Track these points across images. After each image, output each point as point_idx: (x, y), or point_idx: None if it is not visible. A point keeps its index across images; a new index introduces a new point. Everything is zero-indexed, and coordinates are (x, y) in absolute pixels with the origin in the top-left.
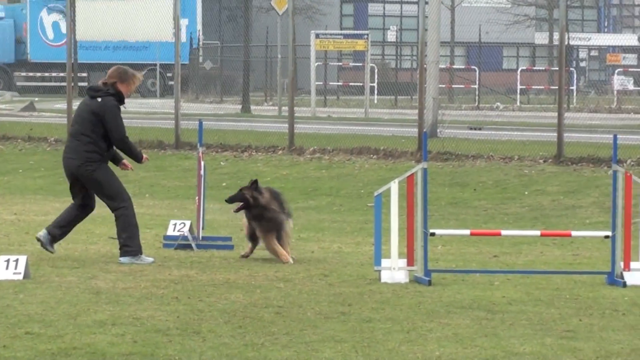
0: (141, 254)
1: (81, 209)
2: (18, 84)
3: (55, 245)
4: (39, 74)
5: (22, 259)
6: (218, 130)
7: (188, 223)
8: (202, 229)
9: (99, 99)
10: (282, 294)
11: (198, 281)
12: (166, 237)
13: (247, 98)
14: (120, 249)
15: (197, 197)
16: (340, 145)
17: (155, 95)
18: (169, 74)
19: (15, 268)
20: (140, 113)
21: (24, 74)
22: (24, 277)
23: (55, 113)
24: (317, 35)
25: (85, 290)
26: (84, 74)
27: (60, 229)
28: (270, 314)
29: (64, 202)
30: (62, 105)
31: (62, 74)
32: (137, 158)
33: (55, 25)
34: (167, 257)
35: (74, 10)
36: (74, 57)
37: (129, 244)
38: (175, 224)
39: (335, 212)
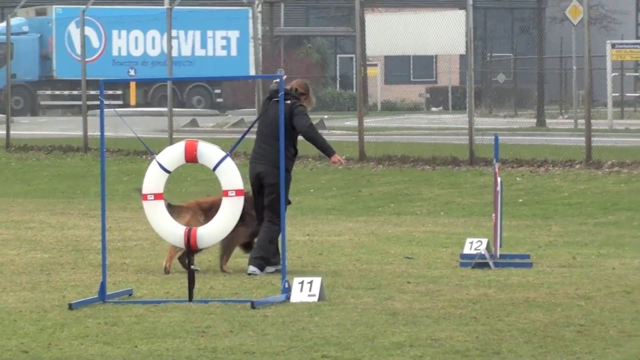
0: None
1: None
2: (42, 102)
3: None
4: (66, 92)
5: (317, 281)
6: (513, 145)
7: (485, 241)
8: (500, 246)
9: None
10: (584, 312)
11: (496, 300)
12: (463, 256)
13: (542, 111)
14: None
15: (493, 214)
16: (639, 158)
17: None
18: (217, 90)
19: (310, 290)
20: (432, 129)
21: (49, 92)
22: (319, 299)
23: (346, 130)
24: (613, 45)
25: (382, 311)
26: None
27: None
28: (571, 333)
29: (357, 222)
30: (352, 122)
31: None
32: (329, 150)
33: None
34: (464, 276)
35: None
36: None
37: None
38: (471, 242)
39: (636, 227)
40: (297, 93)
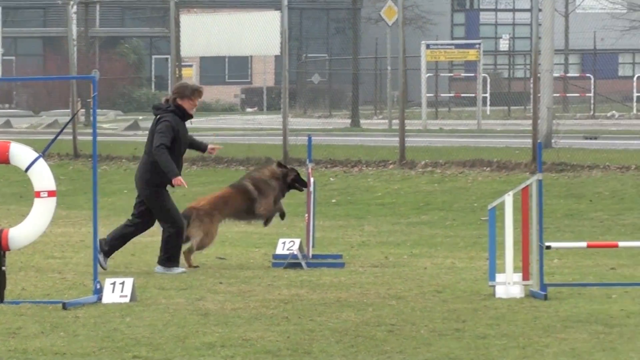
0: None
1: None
2: None
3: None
4: None
5: (129, 282)
6: (327, 146)
7: (297, 241)
8: (312, 247)
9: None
10: (395, 311)
11: (308, 300)
12: (275, 256)
13: (357, 112)
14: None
15: (306, 215)
16: (452, 158)
17: None
18: None
19: (122, 291)
20: (246, 129)
21: None
22: (131, 299)
23: None
24: (427, 46)
25: (194, 312)
26: None
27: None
28: (382, 333)
29: None
30: None
31: None
32: (170, 174)
33: None
34: (276, 276)
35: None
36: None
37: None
38: (284, 243)
39: (448, 226)
40: (169, 105)
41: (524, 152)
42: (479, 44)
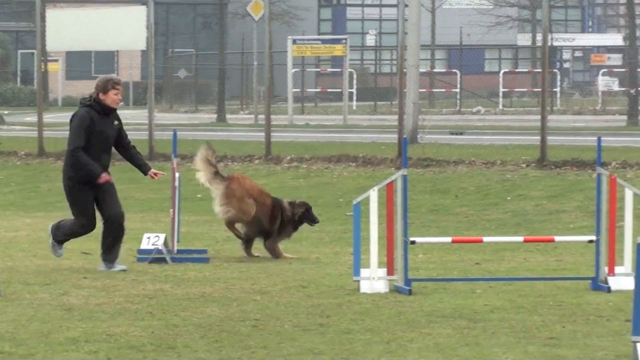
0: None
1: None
2: None
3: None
4: None
5: None
6: (193, 141)
7: (162, 236)
8: (177, 241)
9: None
10: (259, 306)
11: (173, 295)
12: (140, 251)
13: (223, 107)
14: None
15: (171, 210)
16: (318, 154)
17: None
18: None
19: None
20: None
21: None
22: None
23: (26, 126)
24: (294, 41)
25: (57, 307)
26: None
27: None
28: (247, 328)
29: (35, 217)
30: (32, 118)
31: None
32: (93, 175)
33: None
34: (141, 271)
35: None
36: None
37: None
38: (149, 238)
39: None
40: (89, 98)
41: (389, 148)
42: (346, 39)
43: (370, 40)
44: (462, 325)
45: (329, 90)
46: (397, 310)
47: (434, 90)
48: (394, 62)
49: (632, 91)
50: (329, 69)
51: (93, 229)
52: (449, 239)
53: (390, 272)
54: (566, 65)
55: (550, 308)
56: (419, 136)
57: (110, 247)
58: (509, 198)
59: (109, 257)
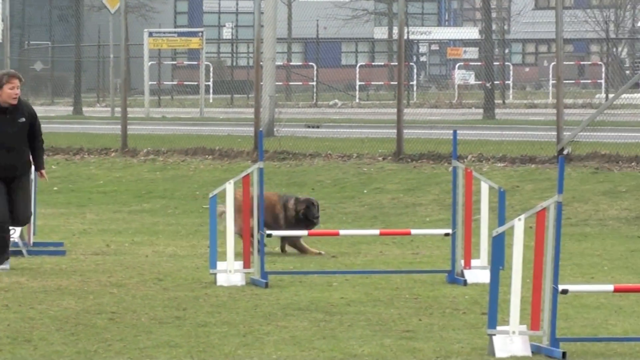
0: None
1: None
2: None
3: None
4: None
5: None
6: (49, 133)
7: (18, 229)
8: (33, 234)
9: None
10: (116, 299)
11: (29, 288)
12: None
13: (79, 99)
14: None
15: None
16: (174, 146)
17: None
18: None
19: None
20: None
21: None
22: None
23: None
24: (150, 34)
25: None
26: None
27: None
28: (103, 320)
29: None
30: None
31: None
32: None
33: None
34: None
35: None
36: None
37: None
38: None
39: (170, 214)
40: None
41: (246, 141)
42: (202, 32)
43: (226, 33)
44: (318, 318)
45: (185, 83)
46: (253, 303)
47: (290, 83)
48: (251, 55)
49: (488, 84)
50: (185, 62)
51: (4, 226)
52: (305, 232)
53: (246, 265)
54: (423, 58)
55: (407, 301)
56: (275, 129)
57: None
58: (365, 191)
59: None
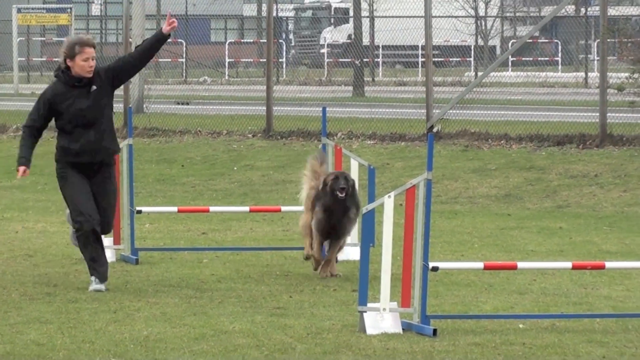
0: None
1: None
2: None
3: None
4: None
5: None
6: None
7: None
8: None
9: None
10: None
11: None
12: None
13: None
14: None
15: None
16: None
17: None
18: None
19: None
20: None
21: None
22: None
23: None
24: (19, 10)
25: None
26: None
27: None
28: None
29: None
30: None
31: None
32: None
33: None
34: None
35: None
36: None
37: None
38: None
39: (40, 191)
40: (57, 68)
41: (116, 117)
42: (71, 8)
43: (95, 9)
44: (189, 294)
45: (54, 59)
46: (124, 280)
47: (159, 60)
48: (120, 32)
49: (358, 62)
50: (54, 38)
51: (91, 227)
52: (175, 209)
53: (116, 241)
54: (292, 36)
55: (277, 278)
56: (145, 106)
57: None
58: (235, 168)
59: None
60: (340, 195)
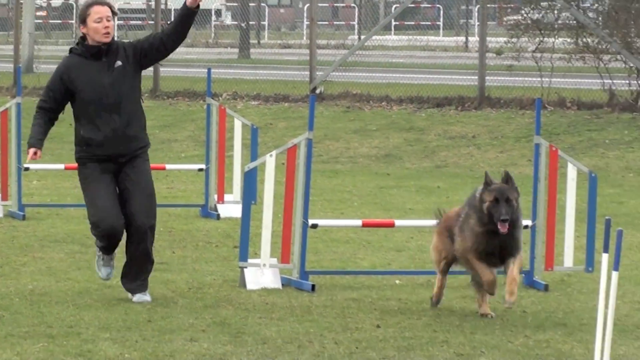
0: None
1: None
2: None
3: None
4: None
5: None
6: None
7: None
8: None
9: None
10: None
11: None
12: None
13: None
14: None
15: None
16: None
17: None
18: None
19: None
20: None
21: None
22: None
23: None
24: None
25: None
26: None
27: None
28: None
29: None
30: None
31: None
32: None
33: None
34: None
35: None
36: None
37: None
38: None
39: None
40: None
41: (5, 77)
42: None
43: None
44: (74, 249)
45: None
46: (10, 235)
47: (50, 21)
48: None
49: (243, 24)
50: None
51: (112, 232)
52: (62, 166)
53: (4, 198)
54: None
55: (161, 234)
56: (35, 66)
57: (130, 271)
58: None
59: (132, 285)
60: (502, 230)
